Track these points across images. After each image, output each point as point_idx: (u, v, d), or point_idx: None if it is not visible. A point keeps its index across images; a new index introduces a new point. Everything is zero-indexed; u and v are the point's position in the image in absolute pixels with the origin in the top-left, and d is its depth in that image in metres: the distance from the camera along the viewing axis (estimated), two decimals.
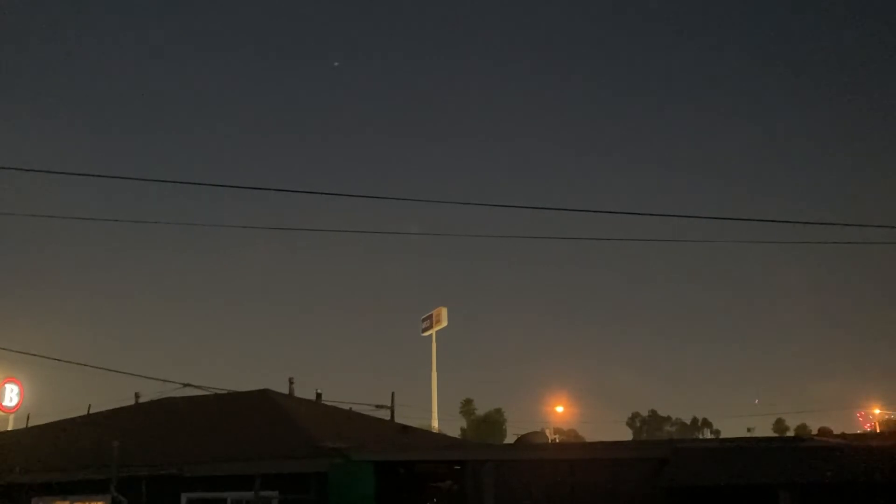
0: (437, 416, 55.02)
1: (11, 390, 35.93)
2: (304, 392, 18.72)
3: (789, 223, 16.36)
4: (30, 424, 23.32)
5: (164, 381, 18.07)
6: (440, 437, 27.53)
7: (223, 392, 18.54)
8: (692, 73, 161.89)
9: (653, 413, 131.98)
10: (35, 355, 18.89)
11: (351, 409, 19.04)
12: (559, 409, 73.91)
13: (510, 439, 50.45)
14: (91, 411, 19.46)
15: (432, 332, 59.11)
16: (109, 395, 21.13)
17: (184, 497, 13.65)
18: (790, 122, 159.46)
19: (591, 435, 74.64)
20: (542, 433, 26.69)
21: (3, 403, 36.53)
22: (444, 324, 59.07)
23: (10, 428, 29.88)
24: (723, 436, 74.15)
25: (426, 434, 24.94)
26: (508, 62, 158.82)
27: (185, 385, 18.05)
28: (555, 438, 54.81)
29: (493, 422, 76.64)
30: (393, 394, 19.63)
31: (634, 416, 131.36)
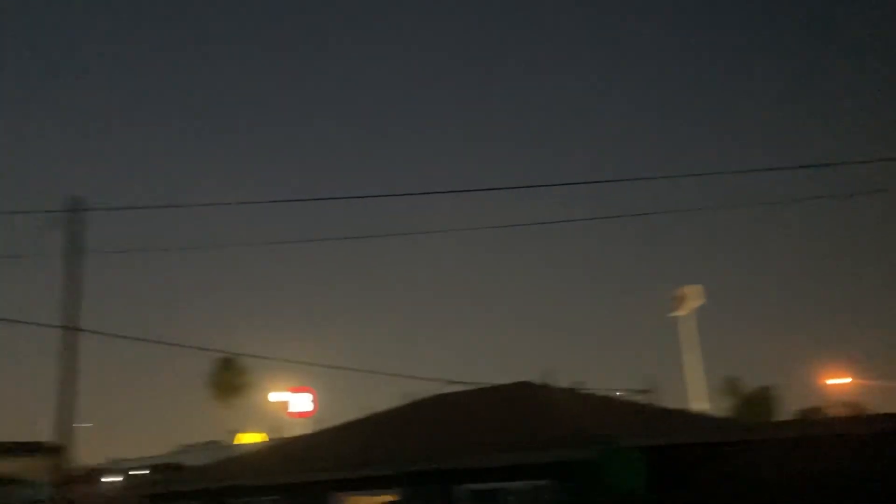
0: (698, 397, 52.95)
1: (305, 398, 40.57)
2: (561, 382, 19.04)
3: None
4: (323, 426, 26.08)
5: (431, 379, 19.31)
6: (704, 419, 26.52)
7: (485, 386, 19.41)
8: None
9: None
10: (322, 365, 21.12)
11: (609, 395, 19.05)
12: (840, 381, 67.58)
13: (782, 418, 47.17)
14: (372, 411, 21.35)
15: (684, 311, 56.98)
16: (385, 394, 23.00)
17: (459, 489, 14.44)
18: None
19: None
20: (822, 409, 24.75)
21: (298, 409, 41.25)
22: (699, 302, 56.66)
23: (303, 432, 33.56)
24: None
25: (690, 416, 24.17)
26: None
27: (450, 382, 19.16)
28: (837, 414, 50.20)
29: (762, 399, 71.96)
30: (650, 377, 19.29)
31: None
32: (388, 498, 15.87)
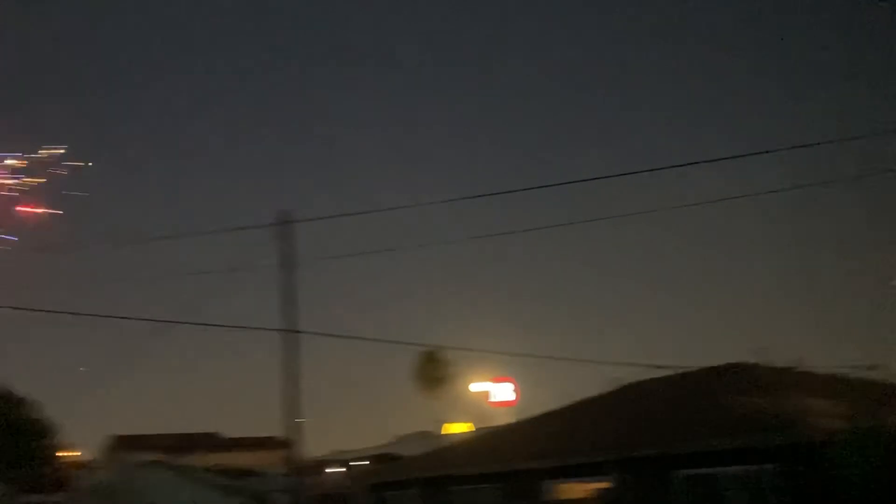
0: None
1: (507, 388, 41.30)
2: (776, 362, 17.87)
3: None
4: (526, 416, 26.30)
5: (635, 364, 18.90)
6: None
7: (692, 369, 18.70)
8: None
9: None
10: (520, 354, 21.36)
11: (832, 373, 17.63)
12: None
13: None
14: (575, 399, 21.22)
15: None
16: (587, 381, 22.69)
17: (677, 474, 14.05)
18: None
19: None
20: None
21: (500, 399, 42.02)
22: None
23: (506, 422, 34.06)
24: None
25: None
26: None
27: (655, 366, 18.65)
28: None
29: None
30: (877, 352, 17.61)
31: None
32: (601, 485, 15.77)
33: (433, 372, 51.05)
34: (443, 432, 45.26)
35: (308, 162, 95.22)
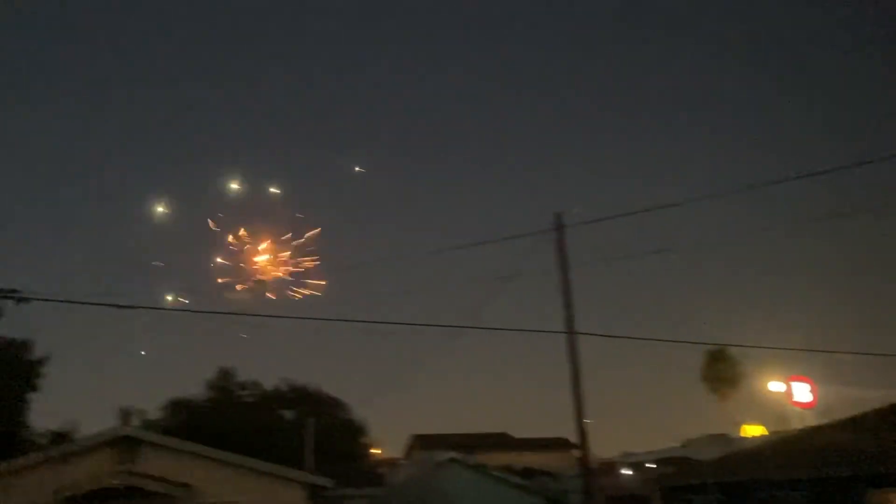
0: None
1: (804, 388, 37.87)
2: None
3: None
4: (828, 419, 23.92)
5: None
6: None
7: None
8: None
9: None
10: (822, 351, 19.43)
11: None
12: None
13: None
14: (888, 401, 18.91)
15: None
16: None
17: None
18: None
19: None
20: None
21: (799, 400, 38.62)
22: None
23: (805, 425, 31.22)
24: None
25: None
26: None
27: None
28: None
29: None
30: None
31: None
32: None
33: (721, 372, 48.55)
34: (740, 435, 42.80)
35: (574, 162, 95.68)
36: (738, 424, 44.49)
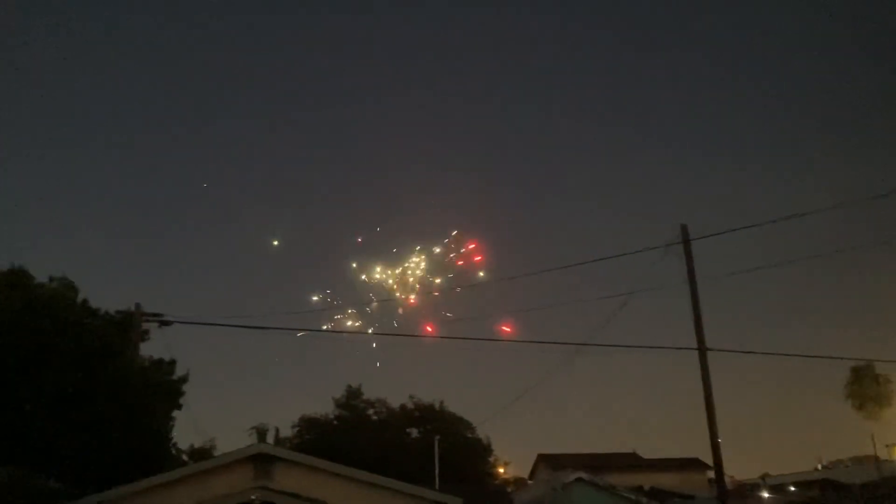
0: None
1: None
2: None
3: None
4: None
5: None
6: None
7: None
8: None
9: None
10: None
11: None
12: None
13: None
14: None
15: None
16: None
17: None
18: None
19: None
20: None
21: None
22: None
23: None
24: None
25: None
26: None
27: None
28: None
29: None
30: None
31: None
32: None
33: (868, 390, 45.31)
34: (892, 457, 39.77)
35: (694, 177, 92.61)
36: (890, 447, 41.30)
